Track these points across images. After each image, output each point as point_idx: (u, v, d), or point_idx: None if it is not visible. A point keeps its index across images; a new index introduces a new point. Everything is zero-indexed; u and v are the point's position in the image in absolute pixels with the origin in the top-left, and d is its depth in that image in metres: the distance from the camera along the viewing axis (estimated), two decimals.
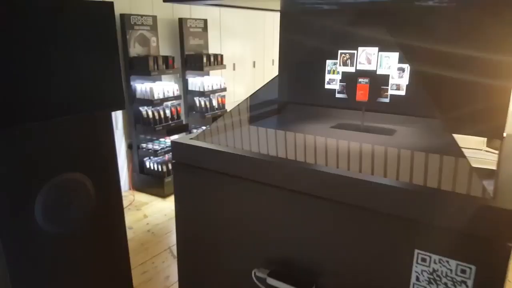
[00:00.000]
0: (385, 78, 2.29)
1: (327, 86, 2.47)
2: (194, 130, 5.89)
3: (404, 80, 2.24)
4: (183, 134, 5.71)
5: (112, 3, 2.37)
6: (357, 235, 1.52)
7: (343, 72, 2.41)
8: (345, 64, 2.33)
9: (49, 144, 2.21)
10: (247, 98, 2.26)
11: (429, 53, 2.18)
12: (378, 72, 2.30)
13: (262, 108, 2.59)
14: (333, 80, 2.46)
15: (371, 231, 1.48)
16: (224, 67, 6.43)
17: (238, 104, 2.27)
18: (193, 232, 2.07)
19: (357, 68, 2.29)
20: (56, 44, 2.12)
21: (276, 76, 2.60)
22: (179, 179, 2.03)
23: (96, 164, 2.47)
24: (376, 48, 2.23)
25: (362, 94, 2.39)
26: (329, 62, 2.45)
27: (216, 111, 6.31)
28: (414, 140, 2.25)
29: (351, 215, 1.51)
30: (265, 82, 2.48)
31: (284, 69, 2.66)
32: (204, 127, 5.38)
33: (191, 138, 2.01)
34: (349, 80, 2.38)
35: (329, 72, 2.48)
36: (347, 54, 2.31)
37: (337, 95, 2.43)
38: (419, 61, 2.22)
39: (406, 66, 2.20)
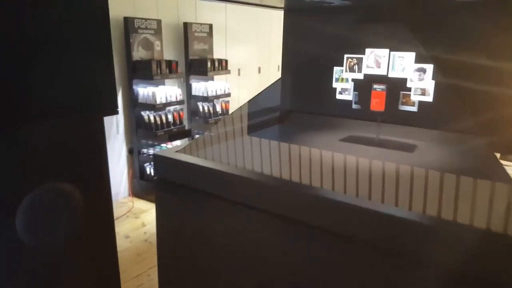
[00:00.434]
0: (404, 83, 2.04)
1: (335, 94, 2.26)
2: (197, 136, 5.78)
3: (428, 83, 1.97)
4: (185, 140, 5.59)
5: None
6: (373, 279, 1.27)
7: (354, 78, 2.20)
8: (351, 70, 2.14)
9: (32, 150, 2.08)
10: (245, 103, 2.10)
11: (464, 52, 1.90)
12: (392, 75, 2.06)
13: (262, 115, 2.40)
14: (345, 89, 2.24)
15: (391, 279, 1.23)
16: (228, 72, 6.32)
17: (234, 112, 2.12)
18: (175, 257, 1.88)
19: (365, 72, 2.10)
20: (44, 42, 2.01)
21: (278, 79, 2.44)
22: (162, 198, 1.80)
23: (86, 173, 2.33)
24: (387, 50, 2.04)
25: (377, 103, 2.11)
26: (337, 70, 2.26)
27: (220, 117, 6.19)
28: (441, 158, 1.91)
29: (366, 255, 1.24)
30: (266, 86, 2.33)
31: (287, 73, 2.48)
32: (197, 136, 5.25)
33: (177, 151, 1.80)
34: (361, 86, 2.15)
35: (337, 80, 2.28)
36: (354, 59, 2.12)
37: (347, 103, 2.21)
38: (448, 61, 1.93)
39: (428, 67, 1.96)
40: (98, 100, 2.37)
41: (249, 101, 2.14)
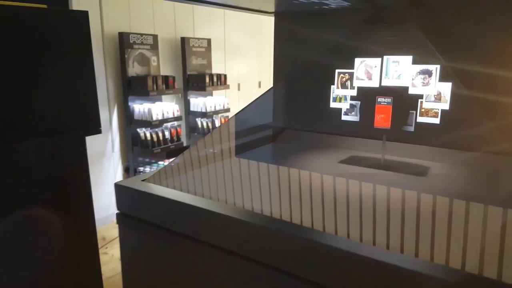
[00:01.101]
0: (415, 97, 1.82)
1: (332, 105, 2.05)
2: None
3: (434, 88, 1.73)
4: None
5: (86, 12, 2.11)
6: None
7: (358, 87, 1.98)
8: (344, 86, 1.92)
9: (8, 172, 1.92)
10: (231, 118, 1.91)
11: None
12: (387, 83, 1.85)
13: (250, 132, 2.19)
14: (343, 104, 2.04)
15: None
16: (227, 87, 6.19)
17: (218, 128, 1.93)
18: None
19: (355, 85, 1.91)
20: (22, 58, 1.86)
21: (270, 89, 2.24)
22: (125, 235, 1.56)
23: (66, 197, 2.16)
24: (379, 59, 1.84)
25: (382, 119, 1.89)
26: (334, 88, 2.06)
27: None
28: (462, 184, 1.62)
29: None
30: (257, 97, 2.14)
31: (279, 86, 2.29)
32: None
33: (143, 180, 1.55)
34: (364, 98, 1.95)
35: (334, 100, 2.07)
36: (346, 74, 1.91)
37: (346, 118, 1.99)
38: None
39: (436, 67, 1.71)
40: (80, 118, 2.22)
41: (236, 115, 1.93)
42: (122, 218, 1.57)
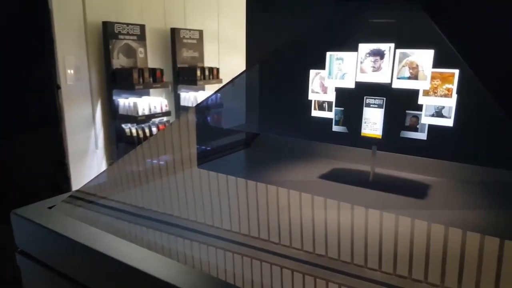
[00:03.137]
0: (412, 96, 1.53)
1: (314, 113, 1.70)
2: None
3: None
4: None
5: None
6: None
7: (338, 88, 1.65)
8: (321, 108, 1.61)
9: None
10: (188, 111, 1.58)
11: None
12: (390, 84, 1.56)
13: (213, 133, 1.85)
14: (324, 102, 1.70)
15: None
16: (220, 81, 5.90)
17: (170, 125, 1.60)
18: None
19: (311, 98, 1.59)
20: None
21: (242, 73, 1.89)
22: (28, 281, 1.22)
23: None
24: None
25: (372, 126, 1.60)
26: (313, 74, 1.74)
27: None
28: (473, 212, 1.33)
29: None
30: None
31: (253, 83, 1.93)
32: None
33: (51, 207, 1.15)
34: (347, 100, 1.66)
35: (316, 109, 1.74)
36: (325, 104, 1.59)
37: (328, 124, 1.67)
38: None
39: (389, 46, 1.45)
40: (40, 119, 1.94)
41: (196, 106, 1.61)
42: (23, 259, 1.19)
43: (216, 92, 1.83)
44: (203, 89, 5.86)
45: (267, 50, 1.88)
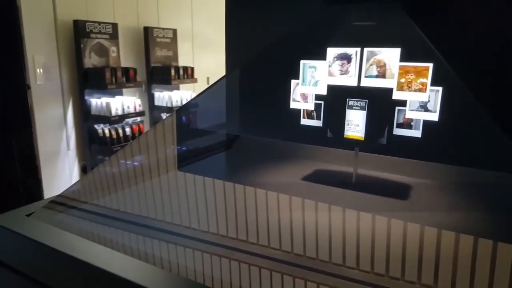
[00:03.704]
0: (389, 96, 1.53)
1: (303, 122, 1.72)
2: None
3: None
4: None
5: None
6: None
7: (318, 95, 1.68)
8: (309, 116, 1.64)
9: None
10: (170, 115, 1.59)
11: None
12: (376, 85, 1.57)
13: (195, 136, 1.85)
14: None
15: None
16: (195, 80, 5.88)
17: (152, 128, 1.61)
18: None
19: (292, 107, 1.64)
20: None
21: (222, 78, 1.92)
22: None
23: None
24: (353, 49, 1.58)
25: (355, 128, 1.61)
26: (294, 84, 1.75)
27: None
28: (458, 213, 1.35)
29: None
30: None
31: (233, 83, 1.95)
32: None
33: (29, 214, 1.10)
34: (331, 101, 1.66)
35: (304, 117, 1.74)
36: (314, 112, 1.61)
37: (305, 124, 1.69)
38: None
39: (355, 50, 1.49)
40: (10, 120, 1.89)
41: (177, 111, 1.63)
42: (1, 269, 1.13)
43: (200, 93, 1.83)
44: (178, 88, 5.83)
45: (247, 55, 1.88)
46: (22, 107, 2.42)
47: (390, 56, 1.54)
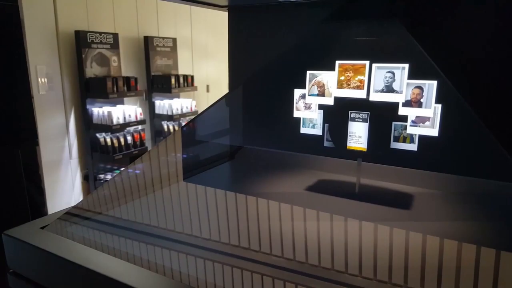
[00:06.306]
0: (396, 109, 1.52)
1: (302, 130, 1.71)
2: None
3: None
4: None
5: (16, 6, 1.83)
6: None
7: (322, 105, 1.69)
8: (307, 107, 1.68)
9: None
10: (176, 131, 1.64)
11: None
12: (383, 99, 1.54)
13: (201, 150, 1.90)
14: (311, 119, 1.75)
15: None
16: (195, 88, 5.94)
17: (161, 144, 1.65)
18: None
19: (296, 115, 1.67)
20: None
21: (226, 95, 1.99)
22: None
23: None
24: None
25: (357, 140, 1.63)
26: (298, 92, 1.76)
27: None
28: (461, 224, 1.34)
29: None
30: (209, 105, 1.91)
31: (236, 97, 1.99)
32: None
33: (43, 228, 1.12)
34: (333, 114, 1.66)
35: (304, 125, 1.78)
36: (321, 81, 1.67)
37: (313, 137, 1.70)
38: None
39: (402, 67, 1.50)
40: (13, 131, 1.94)
41: (183, 127, 1.68)
42: (15, 280, 1.16)
43: (207, 108, 1.88)
44: (178, 96, 5.89)
45: (249, 67, 1.92)
46: (28, 119, 2.47)
47: (329, 77, 1.58)
